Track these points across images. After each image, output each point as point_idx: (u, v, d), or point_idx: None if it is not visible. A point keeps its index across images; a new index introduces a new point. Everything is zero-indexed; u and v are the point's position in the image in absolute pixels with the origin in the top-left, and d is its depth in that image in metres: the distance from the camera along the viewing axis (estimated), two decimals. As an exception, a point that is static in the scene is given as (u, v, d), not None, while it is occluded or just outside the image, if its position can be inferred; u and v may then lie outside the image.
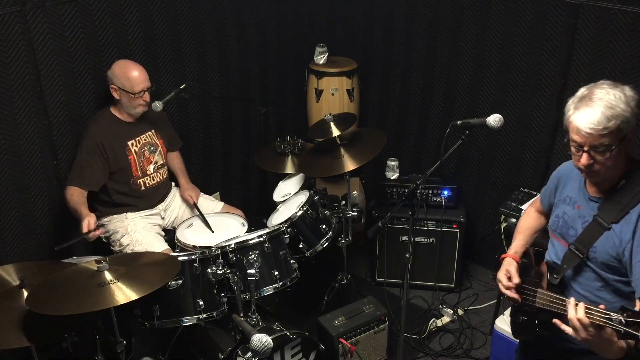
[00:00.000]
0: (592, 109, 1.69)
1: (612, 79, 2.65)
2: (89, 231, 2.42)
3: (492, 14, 3.15)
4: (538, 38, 2.99)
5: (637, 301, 1.66)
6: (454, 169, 3.65)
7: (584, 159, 1.73)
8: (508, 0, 3.05)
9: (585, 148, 1.72)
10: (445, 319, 3.25)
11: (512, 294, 1.99)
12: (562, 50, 2.91)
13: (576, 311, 1.63)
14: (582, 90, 1.76)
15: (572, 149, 1.76)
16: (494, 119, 2.10)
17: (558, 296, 1.84)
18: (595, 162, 1.73)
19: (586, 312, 1.62)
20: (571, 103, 1.76)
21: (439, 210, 3.32)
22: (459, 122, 2.19)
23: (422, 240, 3.38)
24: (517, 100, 3.21)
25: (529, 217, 2.26)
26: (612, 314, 1.55)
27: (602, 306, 1.61)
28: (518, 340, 2.20)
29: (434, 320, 3.21)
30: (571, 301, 1.66)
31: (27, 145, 2.66)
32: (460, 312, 3.31)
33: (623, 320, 1.51)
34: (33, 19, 2.54)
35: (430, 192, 3.38)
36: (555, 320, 1.72)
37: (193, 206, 3.08)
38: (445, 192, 3.37)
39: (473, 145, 3.51)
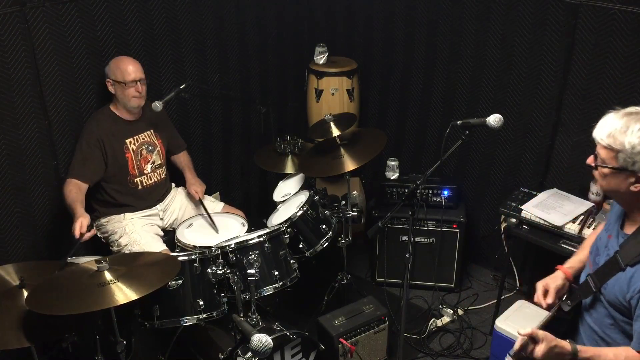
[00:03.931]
0: (618, 119, 1.62)
1: (612, 79, 2.70)
2: (81, 234, 2.42)
3: (492, 14, 3.15)
4: (538, 38, 2.99)
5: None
6: (454, 169, 3.65)
7: (590, 158, 1.71)
8: (508, 0, 3.05)
9: (596, 150, 1.69)
10: (445, 319, 3.25)
11: (542, 304, 1.92)
12: (562, 50, 2.91)
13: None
14: None
15: None
16: (494, 119, 2.10)
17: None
18: (595, 169, 1.69)
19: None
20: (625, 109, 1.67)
21: (439, 210, 3.32)
22: (459, 122, 2.18)
23: (422, 240, 3.38)
24: (517, 100, 3.20)
25: (595, 233, 2.09)
26: None
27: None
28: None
29: (434, 320, 3.20)
30: (520, 339, 1.60)
31: (27, 145, 2.66)
32: (460, 312, 3.31)
33: None
34: (33, 19, 2.54)
35: (430, 192, 3.37)
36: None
37: (198, 202, 3.07)
38: (445, 192, 3.36)
39: (473, 145, 3.51)
